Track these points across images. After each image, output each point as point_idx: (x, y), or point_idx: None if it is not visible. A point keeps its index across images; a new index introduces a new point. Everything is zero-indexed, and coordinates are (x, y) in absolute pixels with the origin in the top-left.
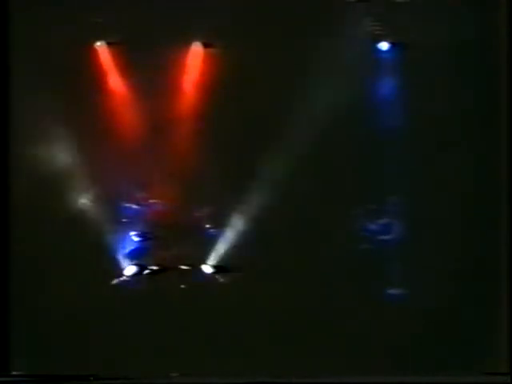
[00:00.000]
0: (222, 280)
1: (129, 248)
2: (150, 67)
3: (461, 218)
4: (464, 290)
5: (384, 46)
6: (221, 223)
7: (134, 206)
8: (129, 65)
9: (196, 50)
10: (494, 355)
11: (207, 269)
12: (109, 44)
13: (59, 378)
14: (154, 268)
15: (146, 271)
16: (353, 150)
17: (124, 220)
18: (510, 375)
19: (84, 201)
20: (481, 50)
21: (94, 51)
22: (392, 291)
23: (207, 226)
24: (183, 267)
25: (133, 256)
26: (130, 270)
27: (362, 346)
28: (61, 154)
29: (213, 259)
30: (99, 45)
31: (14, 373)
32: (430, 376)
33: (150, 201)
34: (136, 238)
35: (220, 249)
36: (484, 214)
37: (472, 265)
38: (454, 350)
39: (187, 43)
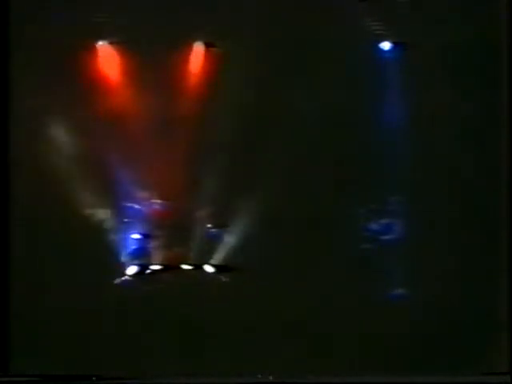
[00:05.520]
0: (223, 279)
1: (130, 248)
2: (151, 67)
3: (461, 218)
4: (464, 290)
5: (386, 45)
6: (222, 223)
7: (136, 206)
8: (130, 65)
9: (198, 49)
10: (494, 355)
11: (209, 268)
12: (110, 44)
13: (59, 378)
14: (156, 268)
15: (148, 271)
16: (354, 149)
17: (126, 220)
18: (510, 375)
19: (85, 201)
20: (481, 50)
21: (96, 51)
22: (392, 291)
23: (209, 225)
24: (185, 267)
25: (134, 256)
26: (131, 269)
27: (362, 346)
28: (61, 155)
29: (214, 259)
30: (101, 45)
31: (14, 373)
32: (430, 376)
33: (152, 201)
34: (137, 238)
35: (221, 248)
36: (485, 213)
37: (472, 264)
38: (454, 349)
39: (189, 43)
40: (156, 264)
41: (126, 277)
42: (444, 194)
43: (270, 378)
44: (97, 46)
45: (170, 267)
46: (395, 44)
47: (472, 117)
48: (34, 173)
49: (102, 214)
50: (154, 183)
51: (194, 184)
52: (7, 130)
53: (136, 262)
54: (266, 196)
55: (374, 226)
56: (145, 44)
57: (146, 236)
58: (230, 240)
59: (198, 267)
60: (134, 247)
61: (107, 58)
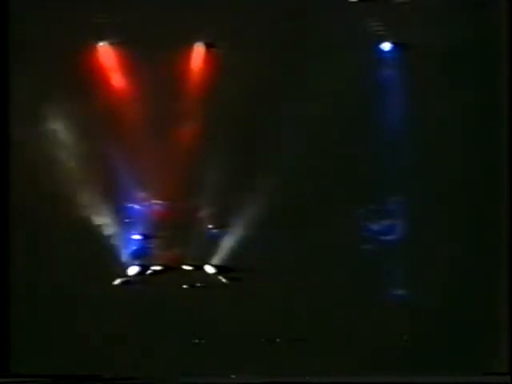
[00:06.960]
0: (223, 280)
1: (131, 248)
2: (152, 67)
3: (462, 218)
4: (464, 290)
5: (386, 46)
6: (222, 224)
7: (137, 207)
8: (131, 65)
9: (198, 50)
10: (494, 355)
11: (209, 269)
12: (111, 44)
13: (59, 378)
14: (157, 268)
15: (149, 271)
16: (354, 150)
17: (127, 220)
18: (510, 375)
19: (86, 201)
20: (481, 50)
21: (97, 51)
22: (393, 291)
23: (209, 226)
24: (185, 267)
25: (135, 256)
26: (132, 269)
27: (362, 346)
28: (62, 155)
29: (215, 259)
30: (102, 45)
31: (14, 373)
32: (430, 376)
33: (153, 201)
34: (138, 239)
35: (222, 249)
36: (485, 214)
37: (472, 265)
38: (454, 350)
39: (190, 44)
40: (157, 264)
41: (127, 277)
42: (444, 194)
43: (268, 378)
44: (97, 46)
45: (171, 268)
46: (395, 44)
47: (472, 117)
48: (35, 174)
49: (103, 215)
50: (154, 184)
51: (195, 185)
52: (7, 131)
53: (137, 262)
54: (267, 196)
55: (374, 226)
56: (145, 44)
57: (146, 237)
58: (230, 240)
59: (199, 268)
60: (135, 248)
61: (108, 59)
